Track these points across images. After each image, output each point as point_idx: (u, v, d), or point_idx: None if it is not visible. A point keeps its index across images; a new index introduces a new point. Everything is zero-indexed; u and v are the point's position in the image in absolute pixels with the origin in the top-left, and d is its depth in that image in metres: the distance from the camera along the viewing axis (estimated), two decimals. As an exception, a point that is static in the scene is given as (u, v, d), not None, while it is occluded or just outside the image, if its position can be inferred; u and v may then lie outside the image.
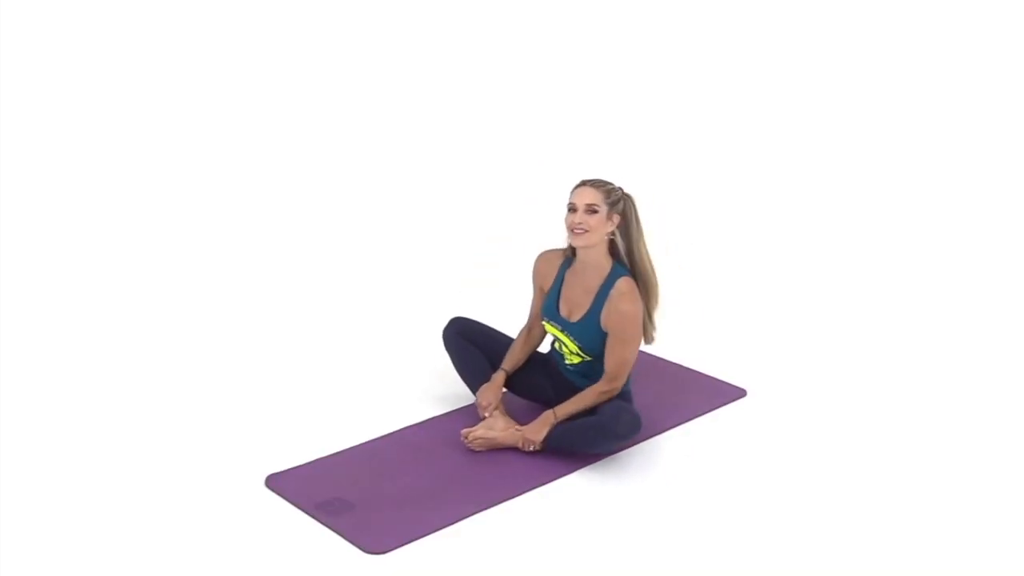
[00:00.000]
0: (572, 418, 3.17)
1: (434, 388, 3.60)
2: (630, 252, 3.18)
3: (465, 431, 3.21)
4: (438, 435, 3.31)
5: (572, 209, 3.12)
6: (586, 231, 3.10)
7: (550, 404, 3.26)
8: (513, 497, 2.97)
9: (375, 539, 2.77)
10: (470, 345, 3.41)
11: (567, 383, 3.31)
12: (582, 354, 3.23)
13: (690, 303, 4.33)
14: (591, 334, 3.18)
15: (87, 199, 5.01)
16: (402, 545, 2.75)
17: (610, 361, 3.14)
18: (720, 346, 3.93)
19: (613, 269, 3.17)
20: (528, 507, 2.94)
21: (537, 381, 3.36)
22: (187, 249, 4.80)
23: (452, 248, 4.78)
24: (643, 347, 3.85)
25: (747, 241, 4.94)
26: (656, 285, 3.21)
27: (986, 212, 4.96)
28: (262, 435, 3.33)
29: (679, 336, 4.00)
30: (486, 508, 2.92)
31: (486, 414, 3.26)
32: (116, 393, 3.61)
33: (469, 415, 3.37)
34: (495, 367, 3.38)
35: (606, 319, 3.13)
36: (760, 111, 5.56)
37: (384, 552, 2.72)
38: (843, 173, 5.32)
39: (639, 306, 3.12)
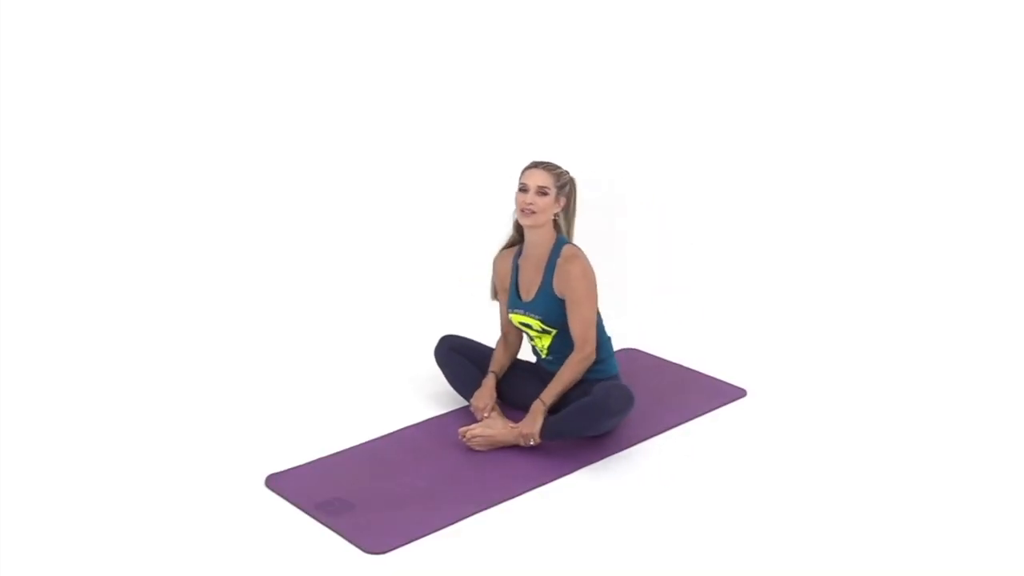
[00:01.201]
0: (561, 400, 3.20)
1: (433, 388, 3.60)
2: (568, 233, 3.34)
3: (463, 429, 3.21)
4: (438, 435, 3.31)
5: (523, 189, 3.22)
6: (534, 212, 3.19)
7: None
8: (513, 497, 2.97)
9: (375, 539, 2.77)
10: (462, 358, 3.47)
11: None
12: (547, 328, 3.28)
13: (690, 303, 4.33)
14: (548, 304, 3.25)
15: (86, 200, 5.00)
16: (402, 545, 2.75)
17: (574, 326, 3.20)
18: (720, 346, 3.93)
19: (557, 240, 3.28)
20: (528, 507, 2.94)
21: (530, 390, 3.36)
22: (188, 251, 4.80)
23: (451, 247, 4.77)
24: (643, 347, 3.86)
25: (747, 241, 4.94)
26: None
27: (986, 212, 4.95)
28: (262, 435, 3.33)
29: (679, 336, 4.00)
30: (486, 508, 2.92)
31: (484, 414, 3.26)
32: (116, 394, 3.62)
33: (469, 415, 3.38)
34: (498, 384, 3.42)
35: (558, 284, 3.22)
36: (759, 110, 5.55)
37: (384, 552, 2.72)
38: (843, 173, 5.31)
39: (587, 266, 3.22)
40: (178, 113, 5.20)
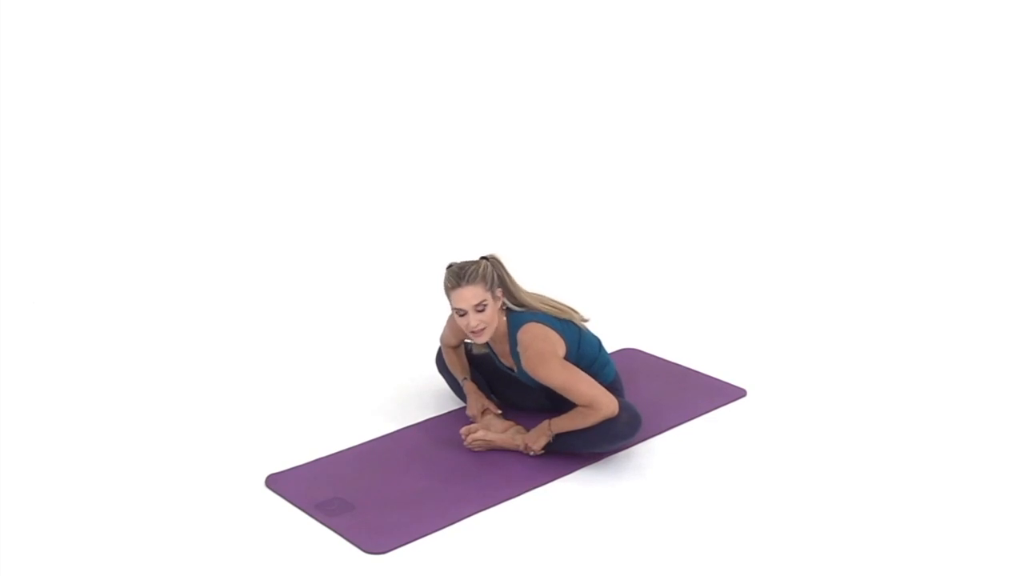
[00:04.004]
0: (566, 401, 3.11)
1: (433, 388, 3.60)
2: (520, 304, 3.13)
3: (465, 429, 3.21)
4: (438, 435, 3.31)
5: (462, 314, 3.04)
6: (484, 328, 3.05)
7: (546, 409, 3.28)
8: (513, 497, 2.97)
9: (375, 539, 2.77)
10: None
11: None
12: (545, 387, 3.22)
13: (690, 303, 4.33)
14: (535, 379, 3.15)
15: (86, 200, 5.00)
16: (402, 545, 2.75)
17: (573, 399, 3.04)
18: (720, 346, 3.93)
19: (510, 324, 3.12)
20: (528, 507, 2.93)
21: (526, 391, 3.35)
22: (188, 252, 4.80)
23: (450, 248, 4.78)
24: (643, 347, 3.86)
25: (747, 240, 4.94)
26: (557, 306, 3.16)
27: (984, 211, 4.96)
28: (262, 435, 3.33)
29: (679, 336, 4.00)
30: (486, 508, 2.92)
31: (480, 419, 3.26)
32: (117, 394, 3.62)
33: (468, 416, 3.38)
34: (491, 384, 3.39)
35: (531, 374, 3.10)
36: (759, 110, 5.56)
37: (384, 552, 2.72)
38: (842, 173, 5.32)
39: (543, 346, 3.05)
40: (179, 122, 5.20)
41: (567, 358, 3.11)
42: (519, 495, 2.98)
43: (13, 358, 3.85)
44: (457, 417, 3.40)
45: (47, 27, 5.08)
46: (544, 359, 3.05)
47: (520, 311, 3.13)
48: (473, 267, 3.06)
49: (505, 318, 3.13)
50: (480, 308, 3.03)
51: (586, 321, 3.25)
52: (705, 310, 4.28)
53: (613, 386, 3.23)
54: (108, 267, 4.61)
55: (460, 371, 3.40)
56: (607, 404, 3.01)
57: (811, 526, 2.83)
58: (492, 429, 3.21)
